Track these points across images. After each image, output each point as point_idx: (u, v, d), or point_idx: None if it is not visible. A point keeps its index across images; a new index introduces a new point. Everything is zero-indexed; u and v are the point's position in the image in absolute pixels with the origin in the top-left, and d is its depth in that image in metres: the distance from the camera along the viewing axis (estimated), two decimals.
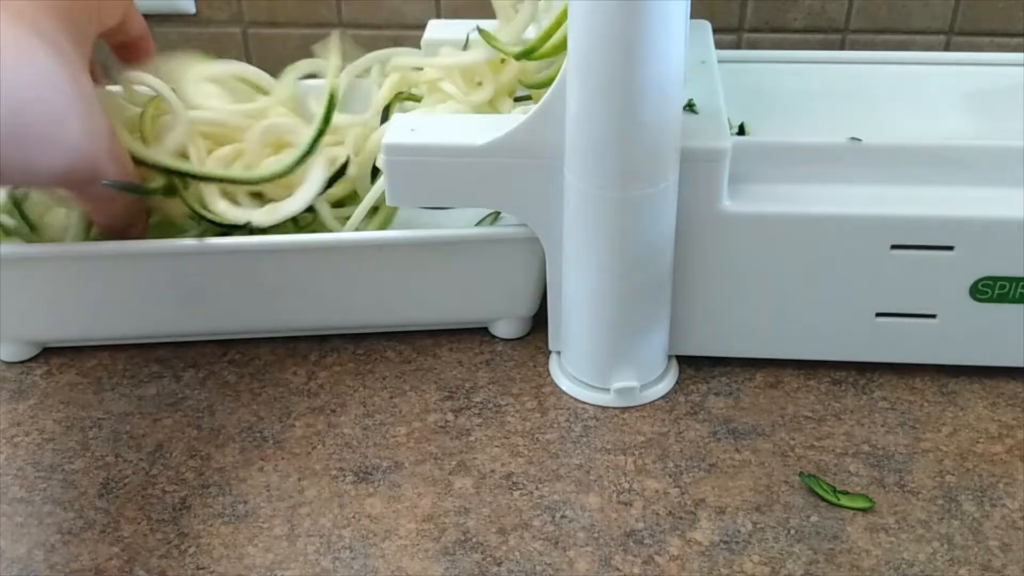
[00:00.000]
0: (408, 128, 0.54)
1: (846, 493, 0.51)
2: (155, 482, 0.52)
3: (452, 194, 0.55)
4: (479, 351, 0.61)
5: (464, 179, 0.54)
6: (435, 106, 0.61)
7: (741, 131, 0.58)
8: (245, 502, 0.51)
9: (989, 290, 0.54)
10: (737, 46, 0.79)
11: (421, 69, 0.63)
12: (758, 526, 0.49)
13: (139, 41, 0.62)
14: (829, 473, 0.52)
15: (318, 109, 0.58)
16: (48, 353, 0.62)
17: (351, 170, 0.60)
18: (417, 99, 0.64)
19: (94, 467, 0.53)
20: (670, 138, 0.50)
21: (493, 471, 0.53)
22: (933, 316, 0.55)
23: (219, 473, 0.53)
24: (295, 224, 0.59)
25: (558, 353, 0.59)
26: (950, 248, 0.53)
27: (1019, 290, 0.54)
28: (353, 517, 0.50)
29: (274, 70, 0.64)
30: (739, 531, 0.49)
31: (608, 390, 0.56)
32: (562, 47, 0.54)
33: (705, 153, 0.52)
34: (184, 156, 0.58)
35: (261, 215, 0.57)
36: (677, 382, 0.58)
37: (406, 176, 0.54)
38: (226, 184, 0.57)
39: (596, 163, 0.49)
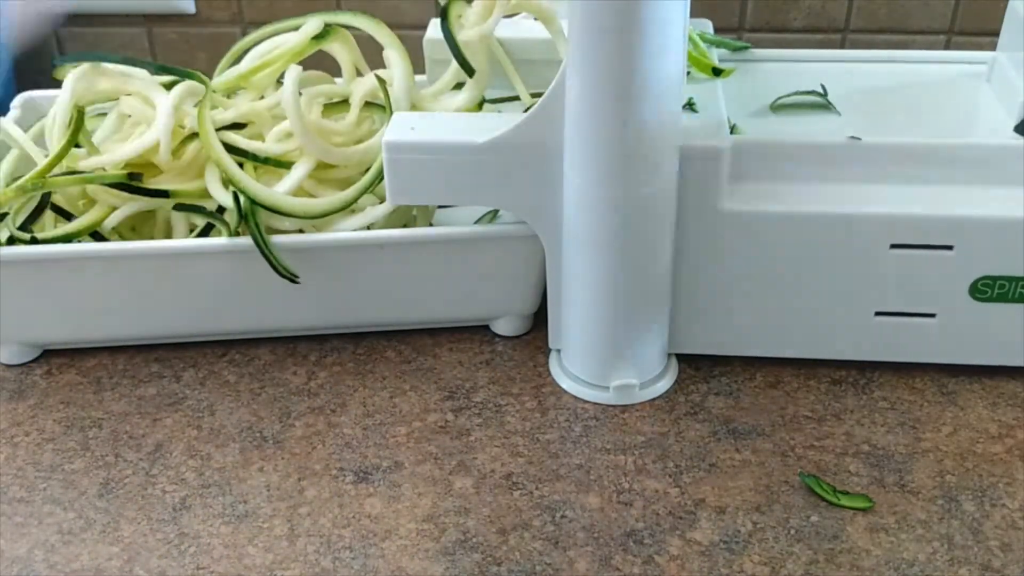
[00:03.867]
0: (408, 126, 0.54)
1: (846, 493, 0.51)
2: (155, 482, 0.52)
3: (452, 192, 0.55)
4: (479, 351, 0.61)
5: (464, 177, 0.54)
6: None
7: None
8: (245, 502, 0.51)
9: (989, 289, 0.54)
10: None
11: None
12: (758, 526, 0.49)
13: None
14: (829, 473, 0.52)
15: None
16: (48, 353, 0.61)
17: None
18: None
19: (94, 467, 0.53)
20: (669, 136, 0.50)
21: (493, 471, 0.53)
22: (933, 315, 0.55)
23: (219, 473, 0.53)
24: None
25: (558, 351, 0.59)
26: (949, 247, 0.53)
27: (1019, 289, 0.54)
28: (353, 517, 0.50)
29: None
30: (739, 531, 0.49)
31: (607, 388, 0.56)
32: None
33: (704, 151, 0.52)
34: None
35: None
36: (677, 381, 0.58)
37: (406, 174, 0.54)
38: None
39: (595, 161, 0.49)
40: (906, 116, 0.59)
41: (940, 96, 0.62)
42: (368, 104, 0.61)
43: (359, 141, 0.60)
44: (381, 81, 0.60)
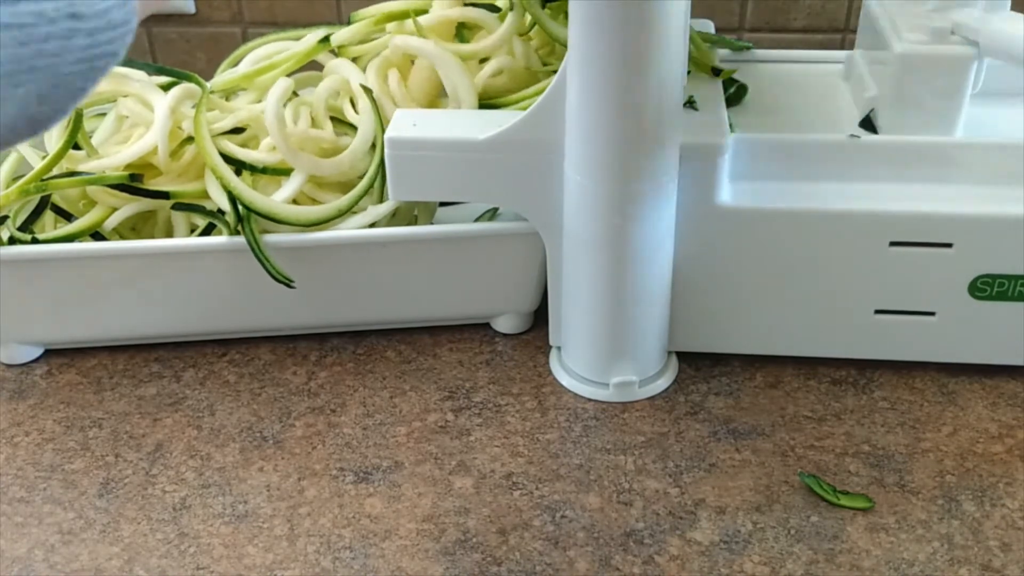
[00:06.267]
0: (410, 123, 0.54)
1: (846, 493, 0.50)
2: (155, 482, 0.52)
3: (453, 188, 0.55)
4: (479, 350, 0.61)
5: (465, 174, 0.54)
6: None
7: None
8: (245, 502, 0.51)
9: (988, 288, 0.54)
10: None
11: None
12: (758, 526, 0.49)
13: None
14: (829, 473, 0.52)
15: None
16: (48, 353, 0.62)
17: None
18: None
19: (94, 467, 0.53)
20: (670, 134, 0.50)
21: (493, 471, 0.53)
22: (932, 314, 0.55)
23: (219, 473, 0.53)
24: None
25: (558, 348, 0.59)
26: (949, 246, 0.53)
27: (1018, 288, 0.54)
28: (353, 517, 0.50)
29: None
30: (739, 531, 0.49)
31: (607, 385, 0.56)
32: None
33: (704, 149, 0.52)
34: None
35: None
36: (677, 381, 0.58)
37: (408, 170, 0.54)
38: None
39: (596, 158, 0.49)
40: (764, 114, 0.60)
41: (800, 94, 0.63)
42: (334, 119, 0.61)
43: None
44: (367, 90, 0.60)
